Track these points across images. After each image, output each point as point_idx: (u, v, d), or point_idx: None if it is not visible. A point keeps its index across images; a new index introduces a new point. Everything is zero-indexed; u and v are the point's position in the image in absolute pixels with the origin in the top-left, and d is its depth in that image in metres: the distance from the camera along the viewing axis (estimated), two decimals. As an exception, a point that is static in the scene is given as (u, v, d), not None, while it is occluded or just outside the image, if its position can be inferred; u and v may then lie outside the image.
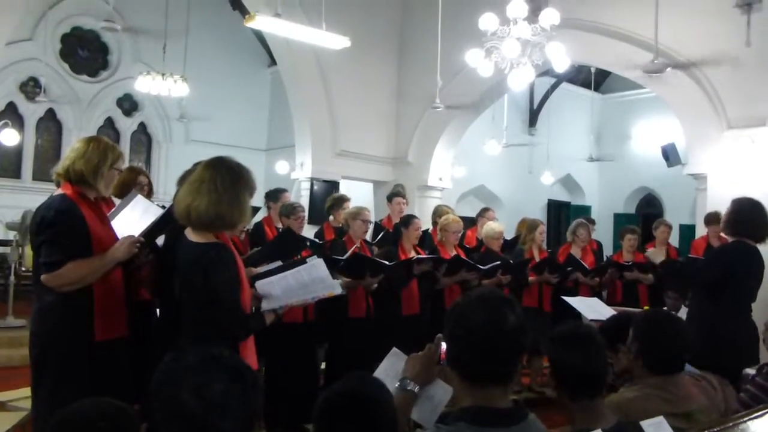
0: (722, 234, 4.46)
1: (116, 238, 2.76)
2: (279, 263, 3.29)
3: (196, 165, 3.17)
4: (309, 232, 5.88)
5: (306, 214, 5.09)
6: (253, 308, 2.56)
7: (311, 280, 2.56)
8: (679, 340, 2.19)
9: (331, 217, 6.03)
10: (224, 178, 2.40)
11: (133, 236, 2.76)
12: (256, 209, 5.04)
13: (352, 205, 5.83)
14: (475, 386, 1.52)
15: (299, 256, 3.58)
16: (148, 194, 3.80)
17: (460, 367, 1.54)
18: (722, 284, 3.85)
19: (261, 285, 2.54)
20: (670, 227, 6.44)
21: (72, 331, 2.61)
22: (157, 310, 3.24)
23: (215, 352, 1.30)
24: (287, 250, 4.11)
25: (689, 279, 4.24)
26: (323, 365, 5.12)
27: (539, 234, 5.92)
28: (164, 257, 2.87)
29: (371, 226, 5.48)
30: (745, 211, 3.97)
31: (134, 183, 3.68)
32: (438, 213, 6.35)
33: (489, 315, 1.52)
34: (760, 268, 4.03)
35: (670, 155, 9.26)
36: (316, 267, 2.59)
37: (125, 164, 3.23)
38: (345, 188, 9.28)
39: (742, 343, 3.79)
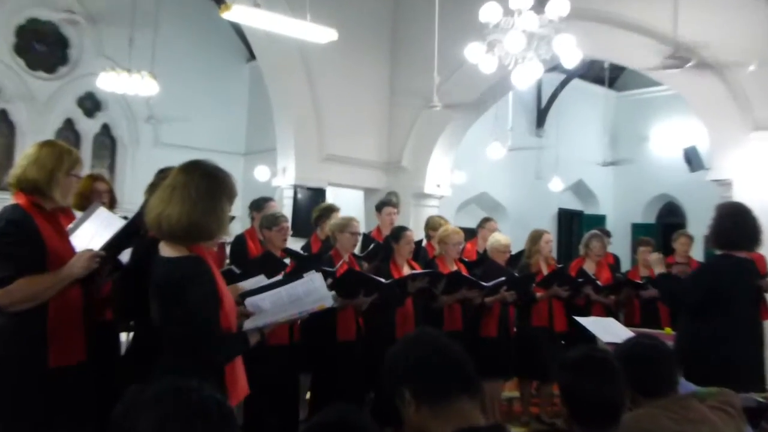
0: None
1: (74, 253, 2.75)
2: (266, 280, 3.33)
3: (161, 173, 3.17)
4: (294, 245, 5.88)
5: (289, 225, 5.09)
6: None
7: (305, 293, 2.58)
8: (662, 365, 2.31)
9: (318, 229, 6.05)
10: (200, 183, 2.39)
11: (93, 250, 2.75)
12: (231, 218, 4.99)
13: (340, 215, 5.78)
14: (445, 405, 1.65)
15: (284, 274, 3.56)
16: (110, 204, 3.78)
17: (423, 393, 1.67)
18: (710, 304, 3.75)
19: (251, 301, 2.55)
20: (691, 238, 6.47)
21: (22, 358, 2.59)
22: (123, 334, 3.22)
23: (182, 385, 1.29)
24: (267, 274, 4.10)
25: (673, 299, 4.21)
26: (308, 395, 5.10)
27: (545, 243, 5.94)
28: (132, 274, 2.87)
29: (360, 238, 5.49)
30: (727, 218, 3.83)
31: (91, 191, 3.65)
32: (431, 225, 6.37)
33: (428, 342, 1.74)
34: (752, 281, 3.89)
35: (692, 159, 9.33)
36: (313, 281, 2.62)
37: (86, 170, 3.22)
38: (332, 196, 9.29)
39: (740, 367, 3.67)
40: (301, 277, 2.65)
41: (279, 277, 3.41)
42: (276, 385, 4.55)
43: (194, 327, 2.31)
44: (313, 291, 2.60)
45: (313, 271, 2.78)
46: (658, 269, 4.46)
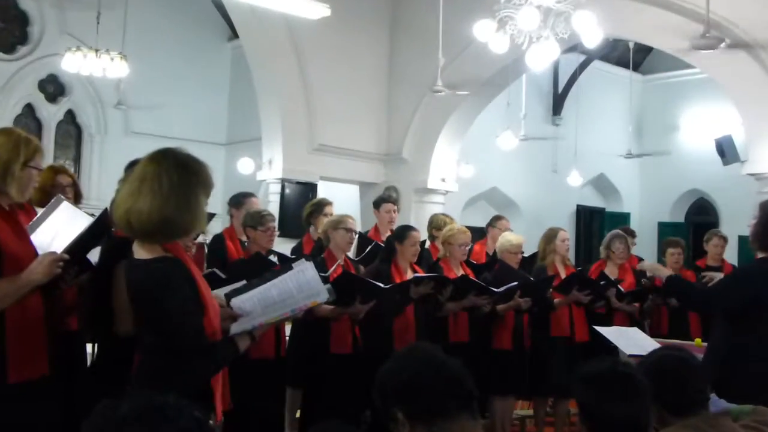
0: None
1: (36, 255, 2.74)
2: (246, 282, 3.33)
3: (132, 166, 3.17)
4: (281, 247, 5.85)
5: (276, 224, 5.08)
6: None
7: (297, 288, 2.58)
8: (691, 380, 2.32)
9: (311, 228, 6.02)
10: (172, 173, 2.39)
11: (55, 253, 2.73)
12: (211, 216, 5.00)
13: (335, 212, 5.81)
14: (443, 425, 1.70)
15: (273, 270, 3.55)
16: (74, 199, 3.77)
17: (417, 413, 1.73)
18: (748, 312, 3.74)
19: (238, 302, 2.55)
20: (725, 239, 6.48)
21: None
22: (89, 345, 3.22)
23: (157, 401, 1.29)
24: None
25: (705, 306, 4.19)
26: (298, 413, 5.13)
27: (560, 242, 5.93)
28: (101, 277, 2.85)
29: (356, 238, 5.48)
30: None
31: (53, 185, 3.64)
32: (435, 224, 6.37)
33: (421, 358, 1.82)
34: None
35: (725, 150, 9.32)
36: (304, 272, 2.60)
37: (47, 162, 3.22)
38: (324, 192, 9.25)
39: None
40: (290, 268, 2.63)
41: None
42: (259, 404, 4.53)
43: (175, 336, 2.33)
44: (305, 284, 2.59)
45: (303, 260, 2.76)
46: (662, 273, 4.39)
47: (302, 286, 2.59)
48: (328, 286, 2.67)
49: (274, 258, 4.86)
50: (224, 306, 2.58)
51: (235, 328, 2.49)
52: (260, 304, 2.55)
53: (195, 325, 2.35)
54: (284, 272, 2.61)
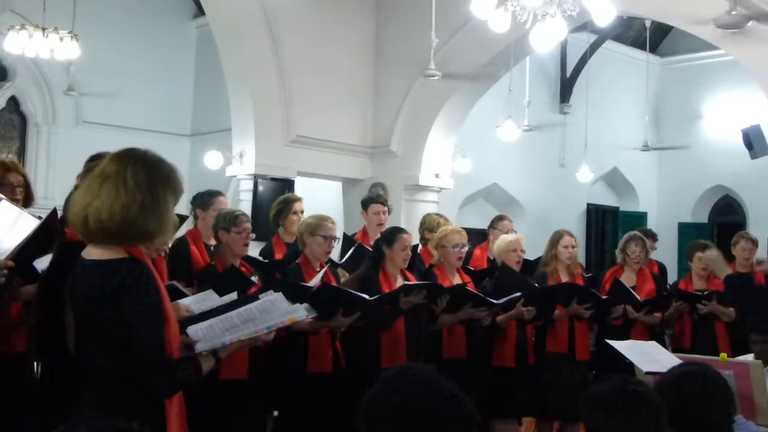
0: None
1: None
2: (215, 296, 3.37)
3: (93, 159, 3.20)
4: (255, 251, 5.86)
5: (250, 225, 5.04)
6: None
7: (262, 315, 2.62)
8: (715, 400, 2.33)
9: (281, 229, 6.03)
10: (137, 171, 2.43)
11: (-1, 260, 2.73)
12: (182, 218, 5.05)
13: (308, 211, 5.78)
14: None
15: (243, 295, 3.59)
16: (24, 200, 3.76)
17: None
18: None
19: (195, 330, 2.56)
20: (754, 242, 6.45)
21: None
22: (36, 364, 3.22)
23: (117, 425, 1.33)
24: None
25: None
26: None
27: (562, 248, 5.93)
28: (52, 287, 2.84)
29: (338, 242, 5.44)
30: None
31: (1, 183, 3.63)
32: (428, 225, 6.36)
33: (411, 380, 1.79)
34: None
35: (753, 142, 9.36)
36: (274, 303, 2.65)
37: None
38: (303, 189, 9.23)
39: None
40: (256, 298, 2.69)
41: (233, 295, 3.43)
42: (229, 430, 4.51)
43: (132, 348, 2.33)
44: (274, 311, 2.63)
45: (271, 291, 2.81)
46: (722, 270, 4.44)
47: (269, 312, 2.63)
48: (306, 305, 2.76)
49: (254, 277, 4.84)
50: (182, 332, 2.58)
51: (200, 346, 2.51)
52: (221, 331, 2.57)
53: (156, 337, 2.35)
54: (249, 302, 2.66)
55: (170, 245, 5.26)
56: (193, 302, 3.44)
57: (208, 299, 3.52)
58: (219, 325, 2.58)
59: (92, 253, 2.42)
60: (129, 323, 2.32)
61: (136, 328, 2.32)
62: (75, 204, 2.43)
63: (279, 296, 2.70)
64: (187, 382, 2.46)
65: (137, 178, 2.41)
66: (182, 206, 5.82)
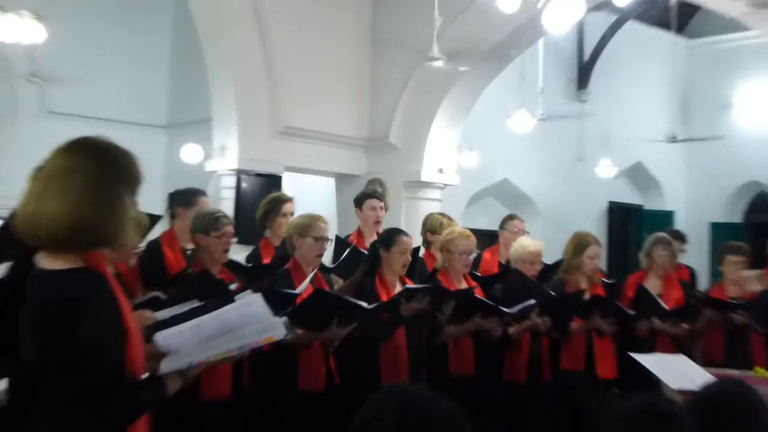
0: None
1: None
2: (193, 304, 3.40)
3: None
4: (238, 255, 5.84)
5: (233, 228, 5.08)
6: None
7: (240, 322, 2.60)
8: (750, 420, 2.36)
9: (268, 231, 6.08)
10: (87, 167, 2.42)
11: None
12: (155, 218, 5.12)
13: (298, 210, 5.84)
14: None
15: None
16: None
17: None
18: None
19: (164, 338, 2.57)
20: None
21: None
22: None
23: None
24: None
25: None
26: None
27: (588, 259, 5.89)
28: (7, 299, 2.75)
29: (331, 244, 5.46)
30: None
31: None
32: (431, 227, 6.38)
33: (405, 400, 1.81)
34: None
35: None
36: (250, 305, 2.64)
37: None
38: (292, 186, 9.29)
39: None
40: (231, 300, 2.68)
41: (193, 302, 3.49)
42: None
43: (89, 368, 2.31)
44: (250, 318, 2.60)
45: (250, 291, 2.85)
46: (754, 288, 4.41)
47: (247, 319, 2.60)
48: (285, 319, 2.65)
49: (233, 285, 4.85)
50: (149, 340, 2.60)
51: (165, 365, 2.50)
52: (192, 339, 2.56)
53: (114, 356, 2.35)
54: (224, 304, 2.63)
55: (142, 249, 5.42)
56: (167, 315, 3.42)
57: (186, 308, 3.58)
58: (189, 333, 2.57)
59: (45, 261, 2.41)
60: (84, 342, 2.30)
61: (92, 348, 2.31)
62: (22, 210, 2.41)
63: (257, 298, 2.65)
64: (152, 405, 2.50)
65: (86, 175, 2.40)
66: (156, 204, 5.75)
